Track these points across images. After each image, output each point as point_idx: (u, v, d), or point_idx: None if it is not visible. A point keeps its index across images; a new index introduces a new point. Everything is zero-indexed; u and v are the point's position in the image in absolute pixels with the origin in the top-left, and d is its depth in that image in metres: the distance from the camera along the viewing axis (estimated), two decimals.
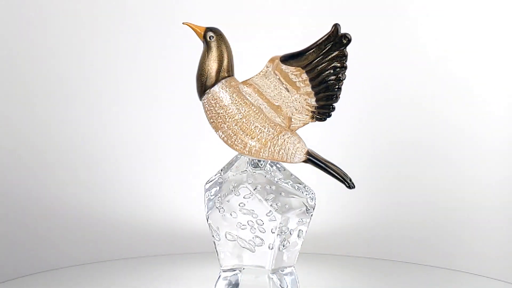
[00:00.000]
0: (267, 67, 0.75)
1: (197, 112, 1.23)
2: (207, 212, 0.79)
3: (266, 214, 0.77)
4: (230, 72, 0.78)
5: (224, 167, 0.82)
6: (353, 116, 1.24)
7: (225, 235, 0.79)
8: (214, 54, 0.77)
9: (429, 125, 1.24)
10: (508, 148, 1.22)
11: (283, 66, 0.73)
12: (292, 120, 0.77)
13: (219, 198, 0.79)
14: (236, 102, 0.76)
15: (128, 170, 1.26)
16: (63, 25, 1.24)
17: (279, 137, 0.77)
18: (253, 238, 0.78)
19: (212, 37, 0.77)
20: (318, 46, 0.69)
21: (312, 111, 0.75)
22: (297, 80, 0.73)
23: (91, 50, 1.25)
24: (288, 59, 0.71)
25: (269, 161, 0.80)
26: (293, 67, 0.72)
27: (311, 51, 0.69)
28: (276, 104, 0.77)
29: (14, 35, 1.23)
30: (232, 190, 0.78)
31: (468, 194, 1.22)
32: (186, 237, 1.23)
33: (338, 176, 0.79)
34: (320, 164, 0.79)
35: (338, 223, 1.25)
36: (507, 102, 1.22)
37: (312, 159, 0.78)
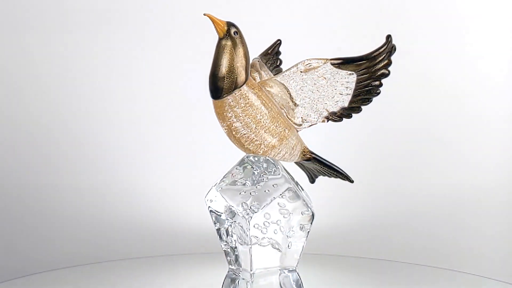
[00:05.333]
0: (303, 66, 0.75)
1: (199, 112, 1.23)
2: (249, 219, 0.75)
3: (302, 213, 0.78)
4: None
5: (238, 172, 0.79)
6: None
7: (261, 238, 0.77)
8: (241, 50, 0.74)
9: (430, 125, 1.24)
10: (510, 148, 1.22)
11: (331, 69, 0.73)
12: (306, 120, 0.78)
13: (257, 203, 0.76)
14: (263, 101, 0.75)
15: (128, 170, 1.26)
16: (63, 24, 1.24)
17: (291, 137, 0.78)
18: (282, 238, 0.78)
19: (236, 33, 0.74)
20: (378, 54, 0.72)
21: (332, 112, 0.76)
22: (340, 82, 0.75)
23: (92, 51, 1.25)
24: (346, 63, 0.73)
25: (264, 160, 0.80)
26: (346, 71, 0.73)
27: (370, 58, 0.72)
28: (295, 103, 0.77)
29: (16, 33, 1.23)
30: (276, 192, 0.77)
31: (468, 194, 1.22)
32: (187, 238, 1.23)
33: (341, 173, 0.82)
34: (324, 162, 0.81)
35: (337, 223, 1.24)
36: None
37: (317, 157, 0.81)
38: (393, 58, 0.74)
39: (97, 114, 1.25)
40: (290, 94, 0.77)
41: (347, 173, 0.84)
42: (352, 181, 0.84)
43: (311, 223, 0.79)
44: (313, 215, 0.79)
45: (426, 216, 1.23)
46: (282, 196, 0.77)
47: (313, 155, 0.82)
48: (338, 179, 0.86)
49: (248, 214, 0.75)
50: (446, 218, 1.23)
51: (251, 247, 0.76)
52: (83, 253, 1.21)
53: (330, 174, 0.85)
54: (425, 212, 1.23)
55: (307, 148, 0.81)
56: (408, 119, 1.24)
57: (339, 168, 0.84)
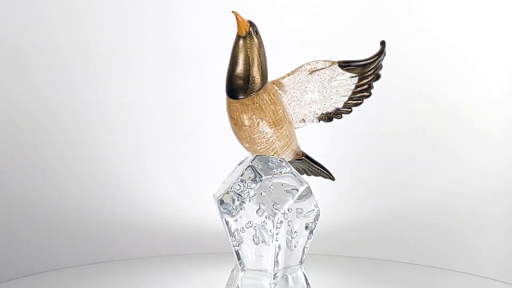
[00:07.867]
0: (309, 67, 0.75)
1: (201, 111, 1.23)
2: (274, 218, 0.74)
3: (309, 212, 0.78)
4: None
5: (248, 171, 0.78)
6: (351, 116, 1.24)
7: (277, 238, 0.76)
8: (261, 50, 0.73)
9: (429, 125, 1.24)
10: (510, 147, 1.22)
11: (337, 71, 0.75)
12: (304, 120, 0.78)
13: (278, 203, 0.75)
14: (277, 103, 0.75)
15: (129, 170, 1.26)
16: (62, 25, 1.24)
17: (295, 137, 0.78)
18: (291, 237, 0.78)
19: (257, 33, 0.73)
20: (378, 57, 0.75)
21: (327, 112, 0.78)
22: (342, 84, 0.76)
23: (93, 51, 1.25)
24: (350, 65, 0.75)
25: (272, 159, 0.80)
26: (351, 73, 0.75)
27: (370, 61, 0.75)
28: (298, 104, 0.78)
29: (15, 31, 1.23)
30: (296, 192, 0.76)
31: (468, 194, 1.22)
32: (188, 238, 1.23)
33: (325, 171, 0.84)
34: (315, 162, 0.82)
35: (337, 223, 1.25)
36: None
37: (309, 157, 0.82)
38: (388, 59, 0.76)
39: (97, 113, 1.25)
40: (293, 95, 0.77)
41: (330, 171, 0.85)
42: (333, 179, 0.85)
43: (316, 222, 0.79)
44: (319, 213, 0.79)
45: (426, 216, 1.23)
46: (299, 195, 0.77)
47: (305, 155, 0.82)
48: (338, 180, 0.87)
49: (273, 213, 0.74)
50: (446, 218, 1.23)
51: (275, 247, 0.75)
52: (83, 253, 1.21)
53: (311, 173, 0.86)
54: (425, 212, 1.24)
55: (299, 148, 0.82)
56: (407, 120, 1.24)
57: (324, 167, 0.84)
